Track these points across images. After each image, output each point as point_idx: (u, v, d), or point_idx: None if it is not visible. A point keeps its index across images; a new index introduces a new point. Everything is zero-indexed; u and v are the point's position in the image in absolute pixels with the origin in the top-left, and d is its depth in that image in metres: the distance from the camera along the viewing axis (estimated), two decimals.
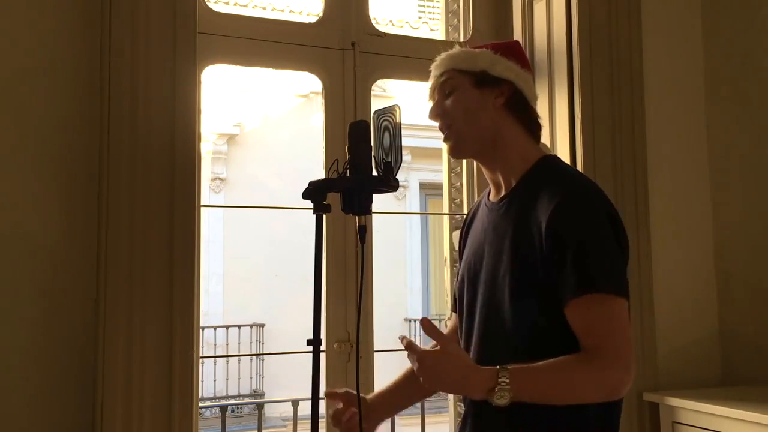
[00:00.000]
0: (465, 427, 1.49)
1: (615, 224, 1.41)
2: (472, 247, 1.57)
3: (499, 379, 1.24)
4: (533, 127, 1.55)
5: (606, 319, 1.32)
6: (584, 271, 1.32)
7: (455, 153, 1.57)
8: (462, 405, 1.62)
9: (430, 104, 1.58)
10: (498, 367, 1.26)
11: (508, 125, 1.51)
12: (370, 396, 1.67)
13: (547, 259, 1.35)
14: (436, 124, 1.56)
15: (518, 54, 1.58)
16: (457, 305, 1.63)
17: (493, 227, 1.51)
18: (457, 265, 1.71)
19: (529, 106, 1.55)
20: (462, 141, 1.53)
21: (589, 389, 1.31)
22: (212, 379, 8.38)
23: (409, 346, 1.31)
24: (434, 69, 1.57)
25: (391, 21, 8.24)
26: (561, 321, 1.34)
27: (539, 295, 1.37)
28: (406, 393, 1.65)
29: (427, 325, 1.32)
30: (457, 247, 1.72)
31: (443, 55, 1.58)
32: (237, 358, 8.74)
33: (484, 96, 1.51)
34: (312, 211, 1.40)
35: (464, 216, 1.74)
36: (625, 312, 1.36)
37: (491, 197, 1.58)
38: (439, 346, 1.30)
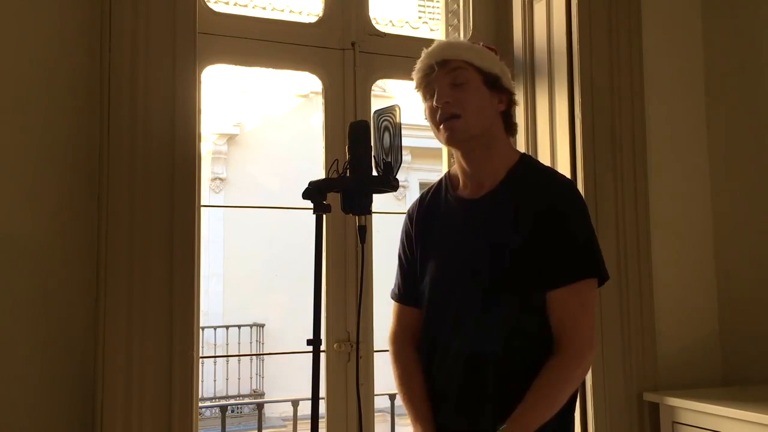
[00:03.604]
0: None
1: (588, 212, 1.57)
2: (454, 241, 1.60)
3: None
4: (513, 132, 1.67)
5: (580, 309, 1.48)
6: (567, 261, 1.48)
7: (454, 140, 1.57)
8: None
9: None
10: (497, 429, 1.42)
11: (499, 129, 1.61)
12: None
13: (535, 249, 1.48)
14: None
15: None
16: (422, 297, 1.64)
17: (480, 221, 1.56)
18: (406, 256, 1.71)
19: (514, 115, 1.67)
20: (466, 132, 1.55)
21: (568, 392, 1.49)
22: (212, 379, 8.37)
23: None
24: (438, 52, 1.58)
25: (391, 21, 8.22)
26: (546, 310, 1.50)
27: (529, 285, 1.49)
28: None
29: None
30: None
31: (450, 43, 1.62)
32: (237, 358, 8.74)
33: (491, 97, 1.58)
34: (312, 211, 1.41)
35: (416, 210, 1.73)
36: (594, 292, 1.51)
37: (465, 193, 1.62)
38: None
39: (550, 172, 1.65)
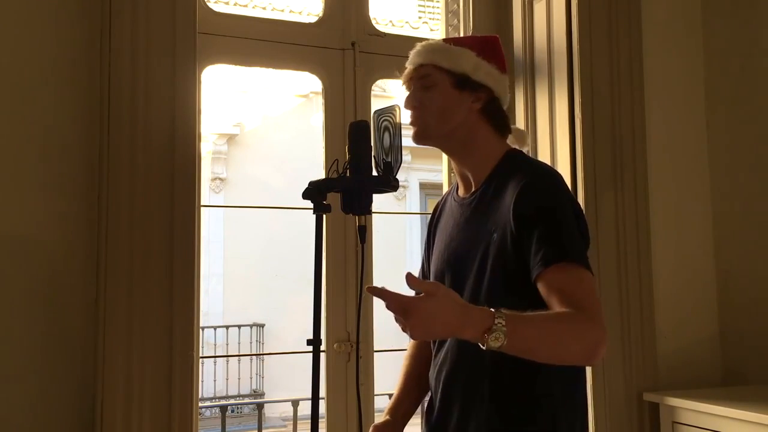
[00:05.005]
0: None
1: (575, 209, 1.47)
2: (444, 241, 1.62)
3: (496, 320, 1.21)
4: (503, 129, 1.60)
5: (580, 283, 1.35)
6: (554, 243, 1.36)
7: (417, 140, 1.59)
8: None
9: (406, 92, 1.61)
10: (493, 309, 1.23)
11: (479, 128, 1.57)
12: (385, 417, 1.67)
13: (518, 239, 1.40)
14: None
15: (498, 55, 1.62)
16: None
17: (466, 221, 1.57)
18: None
19: (503, 111, 1.61)
20: (427, 133, 1.57)
21: (573, 343, 1.30)
22: (212, 379, 8.37)
23: (389, 296, 1.24)
24: (413, 57, 1.60)
25: (391, 21, 8.22)
26: (539, 305, 1.37)
27: (518, 279, 1.41)
28: (413, 398, 1.70)
29: (410, 277, 1.29)
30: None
31: (424, 45, 1.61)
32: (237, 358, 8.74)
33: (462, 98, 1.55)
34: (312, 211, 1.41)
35: (432, 212, 1.78)
36: (588, 276, 1.37)
37: (460, 193, 1.63)
38: (424, 293, 1.24)
39: (532, 166, 1.55)
